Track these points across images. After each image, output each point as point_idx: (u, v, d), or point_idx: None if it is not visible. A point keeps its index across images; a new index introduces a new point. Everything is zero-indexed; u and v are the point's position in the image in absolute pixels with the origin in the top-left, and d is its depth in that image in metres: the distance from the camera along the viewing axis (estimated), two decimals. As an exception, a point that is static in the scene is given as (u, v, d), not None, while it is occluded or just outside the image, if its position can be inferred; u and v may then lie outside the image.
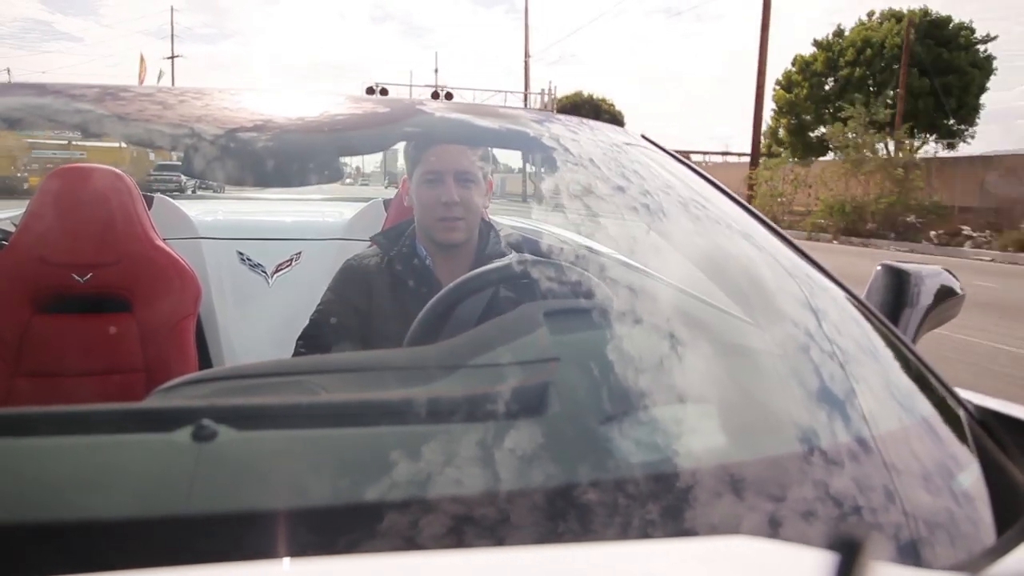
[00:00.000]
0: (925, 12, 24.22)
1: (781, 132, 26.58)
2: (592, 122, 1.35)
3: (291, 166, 1.15)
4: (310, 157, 1.16)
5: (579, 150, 1.21)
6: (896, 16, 24.41)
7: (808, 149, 25.61)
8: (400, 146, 1.56)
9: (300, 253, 2.30)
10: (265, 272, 2.26)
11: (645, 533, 0.58)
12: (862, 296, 1.06)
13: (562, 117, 1.33)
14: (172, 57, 49.39)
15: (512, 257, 1.37)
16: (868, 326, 0.95)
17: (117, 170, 1.66)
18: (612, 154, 1.22)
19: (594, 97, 36.41)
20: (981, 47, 24.21)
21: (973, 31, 24.54)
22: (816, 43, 26.09)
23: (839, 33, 25.84)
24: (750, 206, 1.14)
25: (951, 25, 24.25)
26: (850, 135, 20.16)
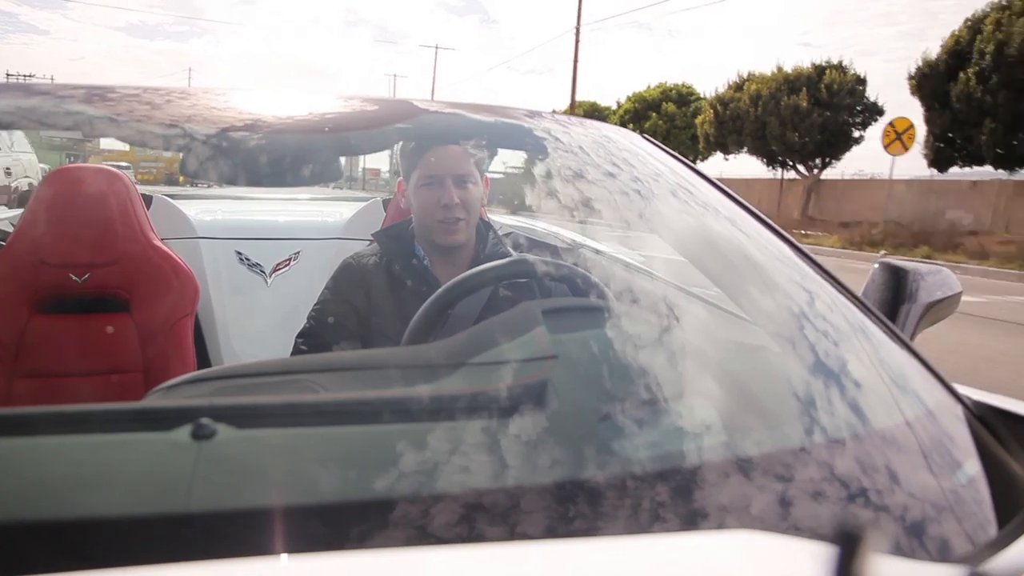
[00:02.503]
0: (593, 104, 38.82)
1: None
2: (588, 121, 1.35)
3: (288, 166, 1.15)
4: (306, 157, 1.16)
5: (576, 149, 1.21)
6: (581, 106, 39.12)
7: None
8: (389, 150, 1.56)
9: (298, 252, 2.30)
10: (263, 272, 2.26)
11: (646, 528, 0.58)
12: (860, 293, 1.06)
13: (560, 116, 1.34)
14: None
15: (510, 256, 1.37)
16: (866, 322, 0.95)
17: (115, 170, 1.66)
18: (610, 152, 1.22)
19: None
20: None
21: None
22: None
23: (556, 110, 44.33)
24: (748, 204, 1.14)
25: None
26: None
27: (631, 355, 0.84)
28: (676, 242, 1.09)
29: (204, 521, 0.55)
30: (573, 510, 0.59)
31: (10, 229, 1.83)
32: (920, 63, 18.35)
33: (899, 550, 0.62)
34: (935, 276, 1.19)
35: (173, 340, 1.61)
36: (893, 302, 1.13)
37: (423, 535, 0.55)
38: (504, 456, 0.64)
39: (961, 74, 17.03)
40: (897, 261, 1.21)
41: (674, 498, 0.62)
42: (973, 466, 0.76)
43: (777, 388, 0.84)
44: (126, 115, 1.02)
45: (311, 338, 1.41)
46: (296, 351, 1.40)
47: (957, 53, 17.50)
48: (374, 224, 2.19)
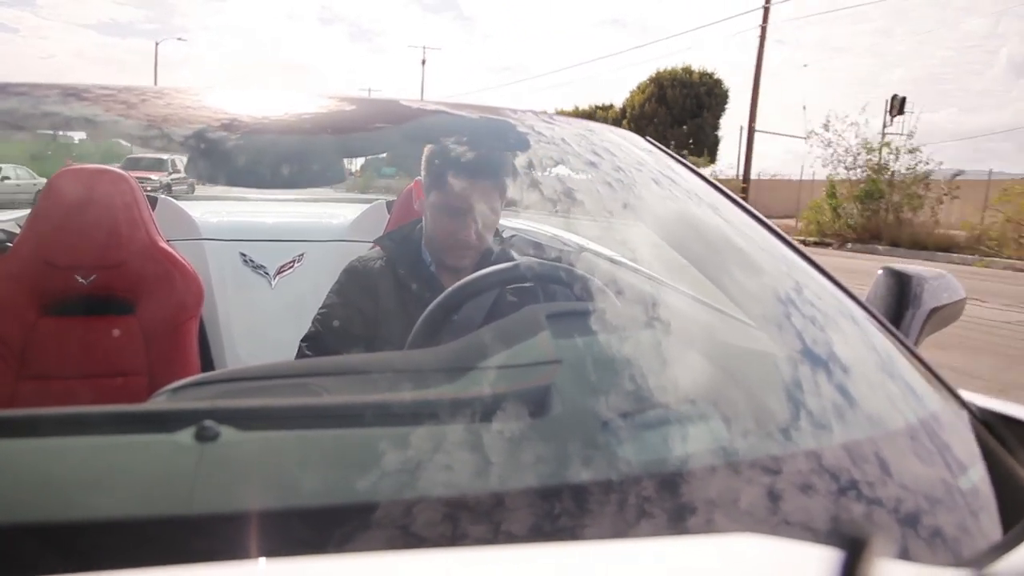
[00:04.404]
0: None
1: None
2: (594, 124, 1.35)
3: (289, 167, 1.16)
4: (287, 159, 1.16)
5: (586, 153, 1.22)
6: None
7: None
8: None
9: (303, 255, 2.30)
10: (268, 273, 2.26)
11: (651, 531, 0.58)
12: (864, 298, 1.06)
13: (573, 120, 1.34)
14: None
15: (515, 260, 1.37)
16: (870, 327, 0.95)
17: (120, 172, 1.66)
18: (617, 157, 1.23)
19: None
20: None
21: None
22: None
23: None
24: (751, 208, 1.14)
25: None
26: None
27: (636, 359, 0.84)
28: (682, 248, 1.09)
29: (208, 524, 0.55)
30: (579, 514, 0.59)
31: (16, 231, 1.84)
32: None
33: (903, 554, 0.61)
34: (939, 281, 1.19)
35: (178, 342, 1.61)
36: (897, 307, 1.13)
37: (432, 539, 0.55)
38: (512, 460, 0.64)
39: (623, 121, 30.80)
40: (901, 266, 1.20)
41: (680, 502, 0.62)
42: (978, 471, 0.76)
43: (782, 393, 0.84)
44: (124, 116, 1.03)
45: (316, 342, 1.41)
46: (301, 355, 1.40)
47: (624, 110, 32.97)
48: (378, 226, 2.19)
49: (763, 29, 23.14)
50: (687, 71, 31.52)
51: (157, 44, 44.29)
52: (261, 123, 1.14)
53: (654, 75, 31.84)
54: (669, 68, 31.99)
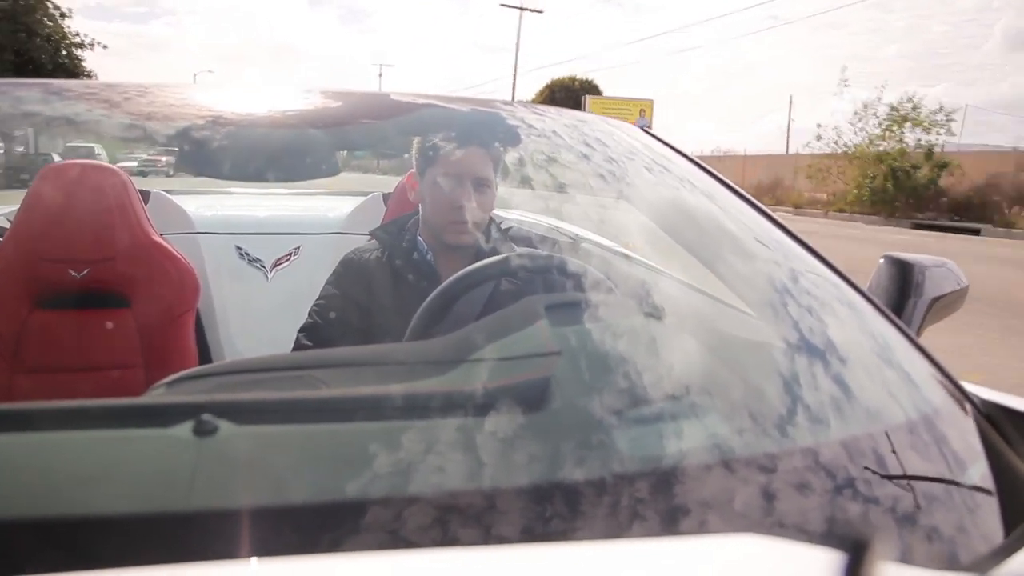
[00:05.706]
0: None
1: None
2: (586, 115, 1.34)
3: (285, 161, 1.15)
4: (304, 152, 1.16)
5: (580, 143, 1.21)
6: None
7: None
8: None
9: (299, 247, 2.29)
10: (264, 267, 2.25)
11: (653, 530, 0.57)
12: (865, 287, 1.05)
13: (564, 111, 1.33)
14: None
15: (513, 251, 1.36)
16: (872, 318, 0.94)
17: (111, 166, 1.65)
18: (615, 148, 1.22)
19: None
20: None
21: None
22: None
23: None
24: (752, 198, 1.13)
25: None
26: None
27: (637, 352, 0.84)
28: (682, 238, 1.08)
29: (206, 519, 0.54)
30: (580, 511, 0.58)
31: (6, 225, 1.82)
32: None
33: (905, 557, 0.61)
34: (940, 269, 1.18)
35: (173, 335, 1.60)
36: (899, 297, 1.12)
37: (431, 535, 0.54)
38: (511, 455, 0.64)
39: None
40: (902, 255, 1.19)
41: (682, 500, 0.61)
42: (980, 468, 0.75)
43: (782, 387, 0.83)
44: (121, 112, 1.02)
45: (313, 333, 1.40)
46: (298, 346, 1.40)
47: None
48: (375, 218, 2.18)
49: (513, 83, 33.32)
50: (572, 79, 38.27)
51: (195, 75, 47.99)
52: (255, 119, 1.13)
53: (549, 83, 38.43)
54: (559, 77, 39.03)
